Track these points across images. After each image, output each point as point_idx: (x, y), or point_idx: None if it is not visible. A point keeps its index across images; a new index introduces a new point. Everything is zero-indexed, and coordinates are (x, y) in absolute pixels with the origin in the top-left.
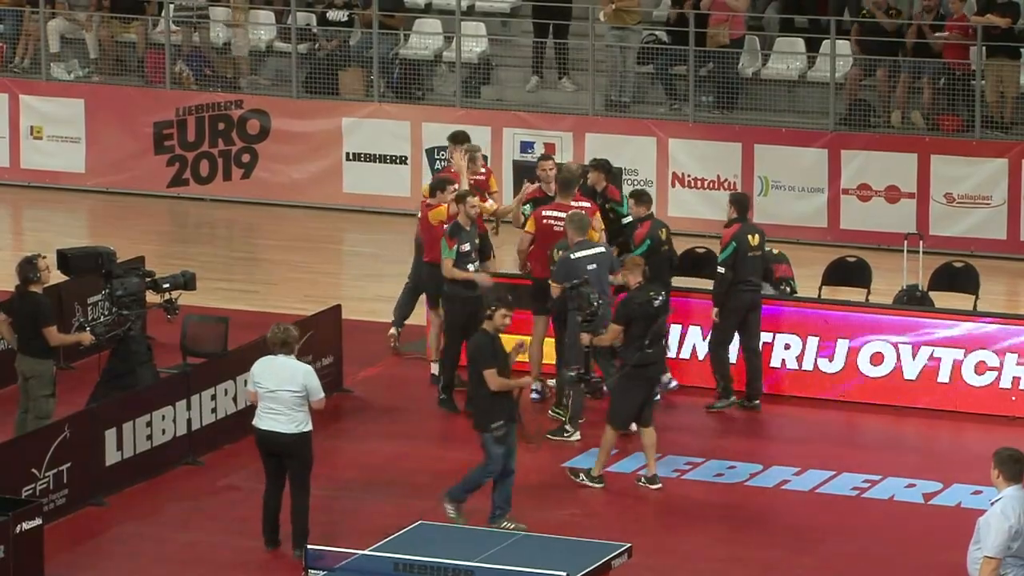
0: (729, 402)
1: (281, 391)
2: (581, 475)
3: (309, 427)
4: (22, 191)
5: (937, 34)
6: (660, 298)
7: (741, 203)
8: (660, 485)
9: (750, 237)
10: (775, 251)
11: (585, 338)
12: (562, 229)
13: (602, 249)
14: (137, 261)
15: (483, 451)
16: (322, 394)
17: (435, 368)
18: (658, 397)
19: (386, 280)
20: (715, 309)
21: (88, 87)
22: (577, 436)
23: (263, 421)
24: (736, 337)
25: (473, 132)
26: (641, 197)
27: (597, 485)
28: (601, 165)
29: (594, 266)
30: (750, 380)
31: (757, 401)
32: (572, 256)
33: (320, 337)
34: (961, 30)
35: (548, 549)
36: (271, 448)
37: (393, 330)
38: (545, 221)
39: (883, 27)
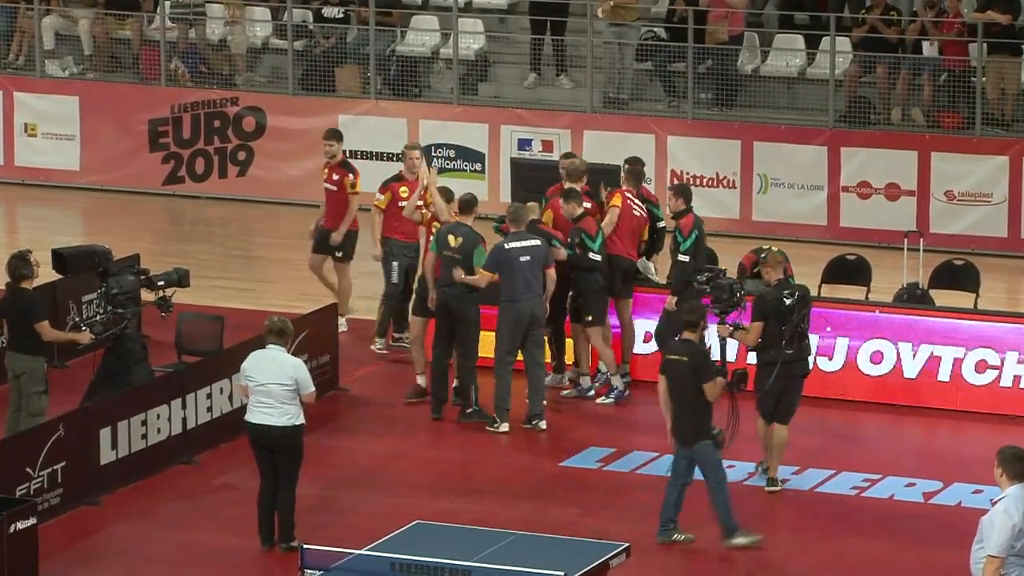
0: None
1: (271, 384)
2: (779, 484)
3: (301, 420)
4: (16, 189)
5: (923, 36)
6: (794, 296)
7: (687, 193)
8: (779, 488)
9: (703, 226)
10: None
11: (724, 330)
12: (639, 214)
13: (537, 242)
14: (131, 259)
15: (706, 463)
16: (312, 387)
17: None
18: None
19: (382, 279)
20: (672, 298)
21: (83, 84)
22: (505, 427)
23: (255, 415)
24: None
25: (470, 129)
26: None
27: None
28: (637, 162)
29: (527, 258)
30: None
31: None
32: (506, 246)
33: (316, 335)
34: (952, 27)
35: (546, 549)
36: (263, 442)
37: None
38: (628, 202)
39: (882, 31)
